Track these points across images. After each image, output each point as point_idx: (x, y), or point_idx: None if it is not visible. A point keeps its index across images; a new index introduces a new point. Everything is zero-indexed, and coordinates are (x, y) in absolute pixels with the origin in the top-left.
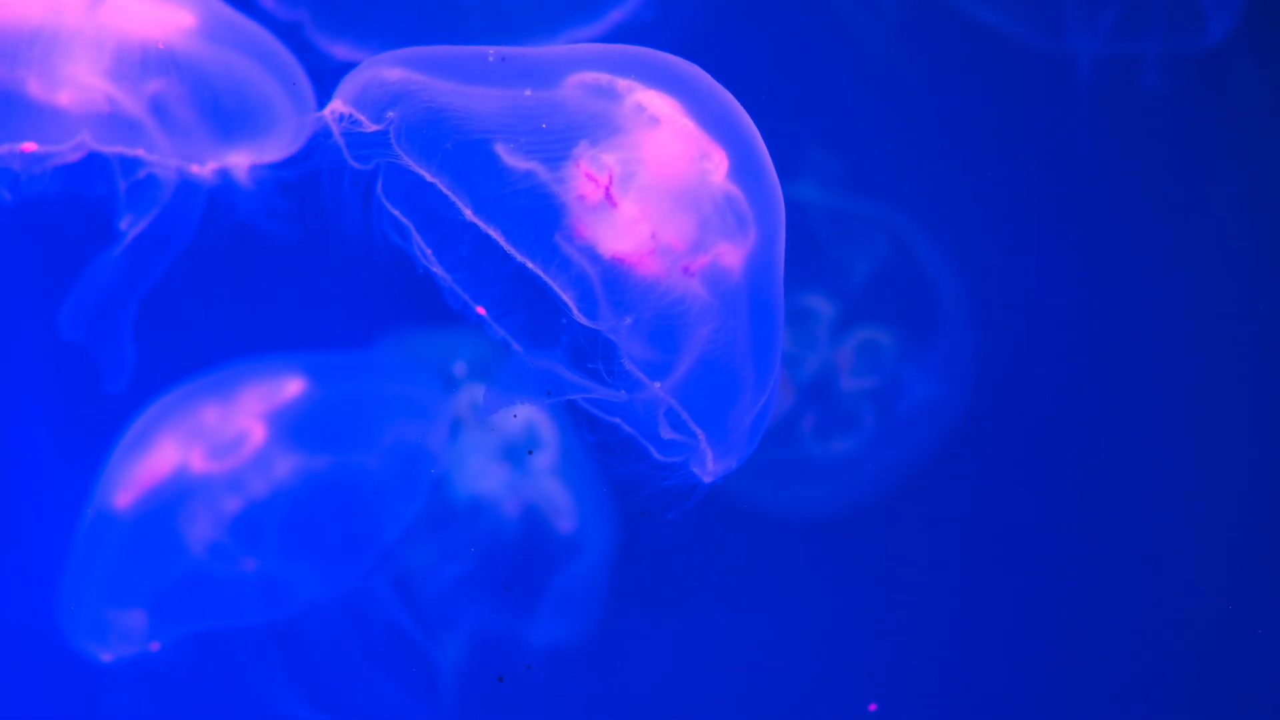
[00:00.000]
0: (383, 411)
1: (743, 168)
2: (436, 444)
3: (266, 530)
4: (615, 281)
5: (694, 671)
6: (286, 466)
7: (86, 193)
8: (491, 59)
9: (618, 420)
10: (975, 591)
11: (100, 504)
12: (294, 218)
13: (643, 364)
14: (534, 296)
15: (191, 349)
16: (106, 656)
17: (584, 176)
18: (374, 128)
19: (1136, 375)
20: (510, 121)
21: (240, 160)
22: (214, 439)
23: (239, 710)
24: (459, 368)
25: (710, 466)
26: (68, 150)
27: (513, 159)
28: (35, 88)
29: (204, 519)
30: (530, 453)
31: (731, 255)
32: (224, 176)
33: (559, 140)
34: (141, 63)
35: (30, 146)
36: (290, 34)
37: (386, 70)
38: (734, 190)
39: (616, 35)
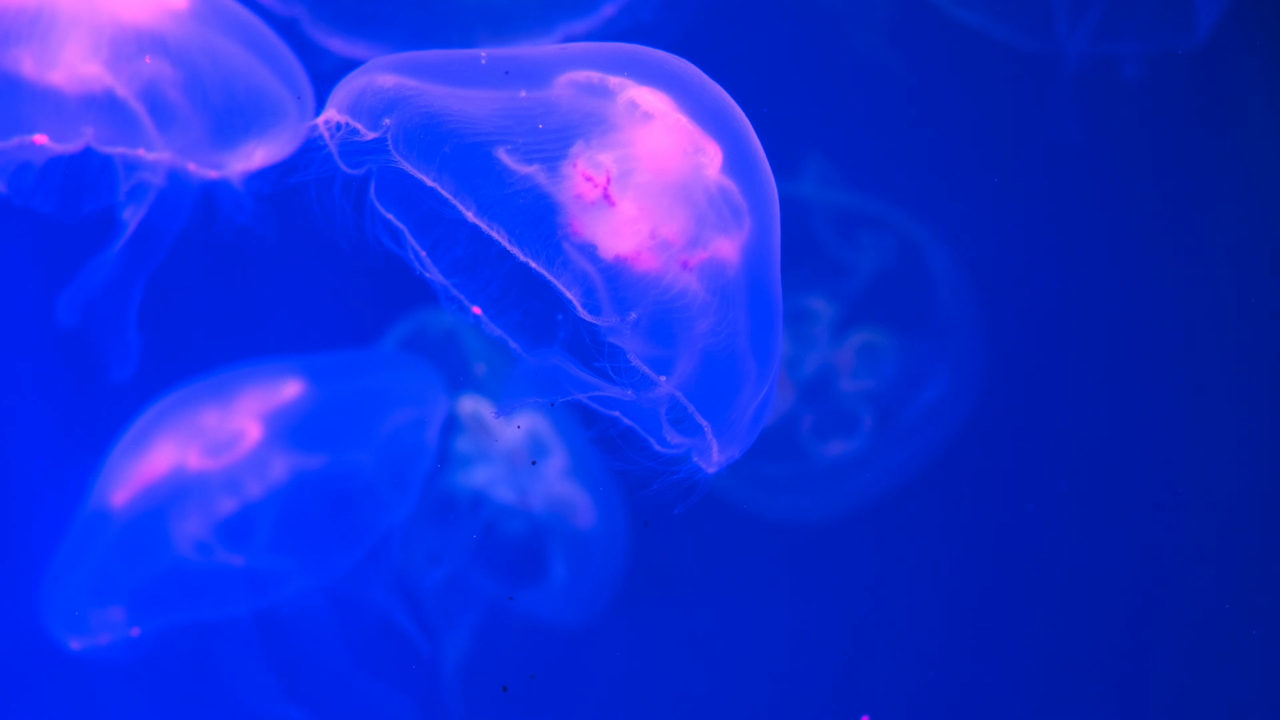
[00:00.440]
0: (379, 410)
1: (736, 160)
2: (431, 441)
3: (258, 529)
4: (617, 278)
5: (695, 675)
6: (281, 466)
7: (85, 185)
8: (484, 61)
9: (617, 415)
10: (975, 596)
11: (95, 501)
12: (288, 221)
13: (646, 359)
14: (529, 295)
15: (191, 351)
16: (75, 645)
17: (581, 177)
18: (371, 135)
19: (1136, 374)
20: (507, 123)
21: (240, 153)
22: (211, 439)
23: (233, 713)
24: (479, 368)
25: (715, 457)
26: (67, 139)
27: (512, 160)
28: (30, 71)
29: (197, 517)
30: (534, 463)
31: (728, 247)
32: (222, 169)
33: (556, 140)
34: (137, 48)
35: (42, 138)
36: (287, 30)
37: (380, 77)
38: (728, 183)
39: (610, 32)
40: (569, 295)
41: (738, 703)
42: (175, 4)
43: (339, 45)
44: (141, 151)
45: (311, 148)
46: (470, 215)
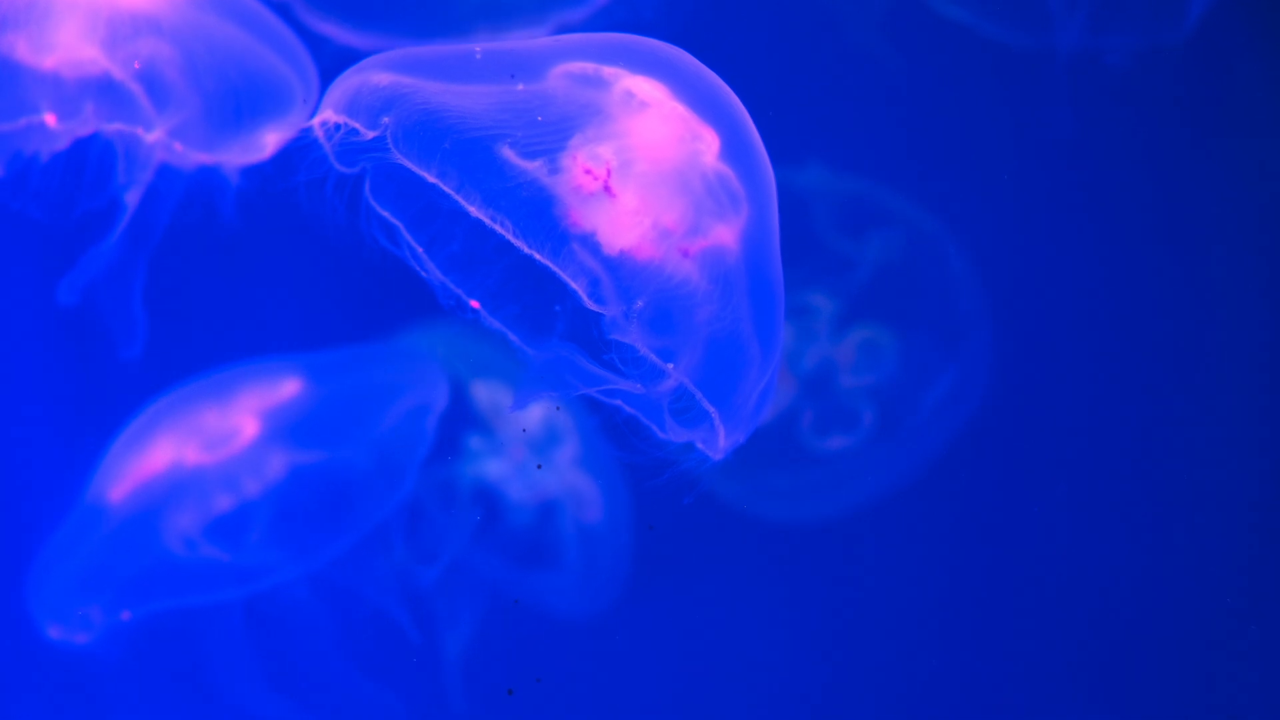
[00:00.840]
0: (377, 406)
1: (733, 146)
2: (430, 431)
3: (253, 525)
4: (620, 268)
5: (695, 674)
6: (279, 464)
7: (84, 180)
8: (479, 56)
9: (620, 403)
10: (976, 596)
11: (91, 496)
12: (287, 220)
13: (651, 348)
14: (527, 288)
15: (191, 350)
16: (55, 633)
17: (582, 171)
18: (371, 134)
19: (1134, 373)
20: (505, 117)
21: (247, 135)
22: (209, 436)
23: (225, 709)
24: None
25: (721, 443)
26: (69, 117)
27: (513, 154)
28: (26, 55)
29: (193, 513)
30: (539, 466)
31: (728, 233)
32: (228, 152)
33: (554, 132)
34: (133, 30)
35: (50, 118)
36: (280, 15)
37: (375, 75)
38: (725, 170)
39: (603, 21)
40: (574, 286)
41: (738, 702)
42: None
43: (332, 31)
44: (140, 130)
45: (308, 148)
46: (474, 210)
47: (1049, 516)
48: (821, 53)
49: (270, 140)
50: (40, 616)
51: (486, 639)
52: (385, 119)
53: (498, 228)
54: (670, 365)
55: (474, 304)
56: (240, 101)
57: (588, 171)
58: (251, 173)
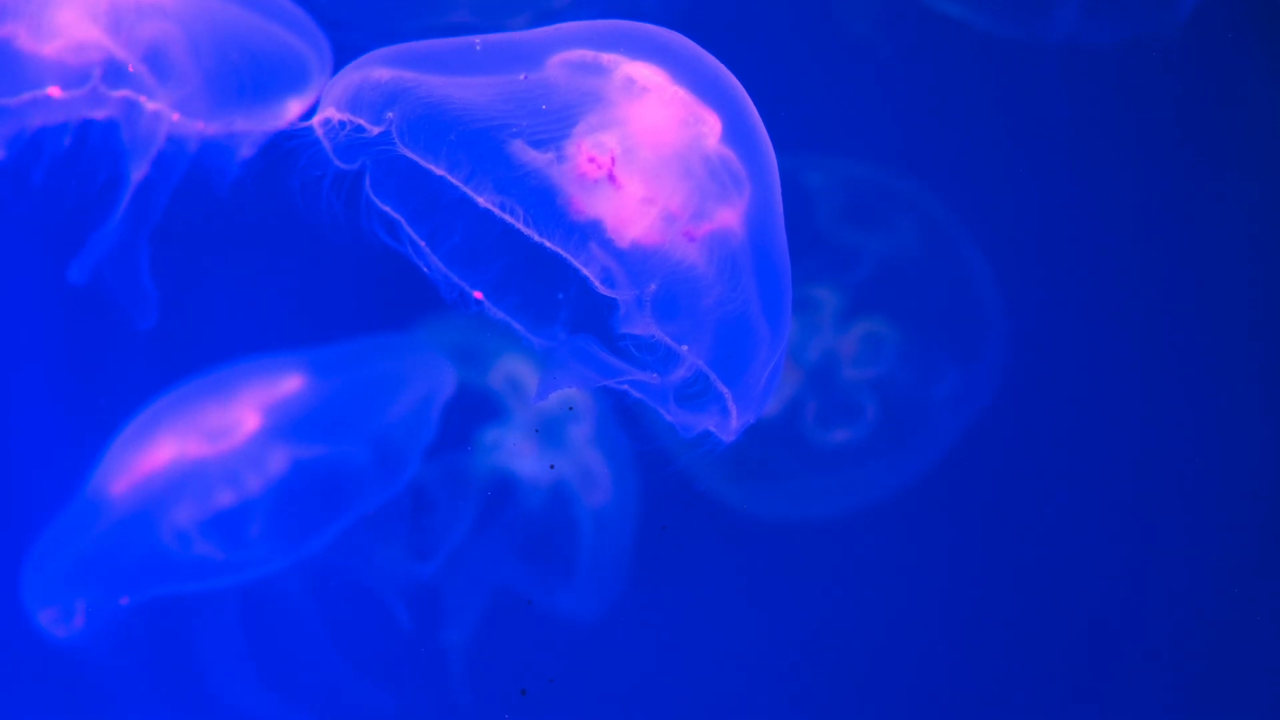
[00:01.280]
0: (380, 400)
1: (735, 128)
2: (433, 420)
3: (253, 520)
4: (629, 254)
5: (695, 674)
6: (281, 459)
7: (89, 152)
8: (478, 48)
9: (627, 388)
10: (977, 596)
11: (92, 490)
12: (287, 218)
13: (664, 332)
14: (530, 277)
15: (191, 349)
16: (45, 621)
17: (586, 159)
18: (376, 130)
19: (1135, 372)
20: (507, 108)
21: (268, 107)
22: (211, 432)
23: (219, 707)
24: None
25: (733, 424)
26: (75, 87)
27: (517, 144)
28: (26, 37)
29: (194, 509)
30: (552, 467)
31: (732, 215)
32: (243, 125)
33: (558, 121)
34: (136, 9)
35: (55, 91)
36: None
37: (375, 71)
38: (727, 152)
39: (597, 8)
40: (586, 273)
41: (738, 703)
42: None
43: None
44: (144, 99)
45: (308, 145)
46: (483, 200)
47: (1053, 518)
48: (815, 45)
49: (293, 108)
50: (34, 607)
51: (489, 637)
52: (390, 114)
53: (508, 217)
54: (684, 348)
55: (478, 295)
56: (257, 73)
57: (592, 159)
58: (251, 170)
